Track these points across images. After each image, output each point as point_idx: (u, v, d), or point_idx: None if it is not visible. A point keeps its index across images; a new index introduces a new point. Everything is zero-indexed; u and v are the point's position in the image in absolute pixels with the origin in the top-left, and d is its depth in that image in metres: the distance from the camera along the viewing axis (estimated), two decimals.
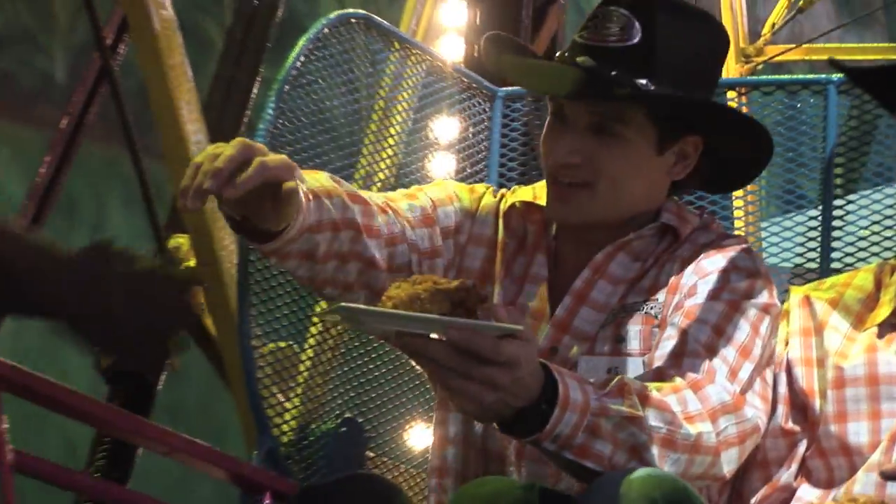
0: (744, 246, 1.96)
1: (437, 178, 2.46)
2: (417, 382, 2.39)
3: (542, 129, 1.98)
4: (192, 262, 3.74)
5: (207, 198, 1.61)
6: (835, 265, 2.33)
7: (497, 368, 1.56)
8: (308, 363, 2.32)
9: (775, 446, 1.96)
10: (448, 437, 1.99)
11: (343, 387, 2.34)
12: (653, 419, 1.68)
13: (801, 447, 1.96)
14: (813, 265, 2.35)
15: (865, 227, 2.34)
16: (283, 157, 1.68)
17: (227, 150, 1.62)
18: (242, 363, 2.16)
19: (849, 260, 2.33)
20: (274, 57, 4.01)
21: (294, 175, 1.67)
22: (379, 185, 2.40)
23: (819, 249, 2.35)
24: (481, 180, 2.50)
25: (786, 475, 1.95)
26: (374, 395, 2.36)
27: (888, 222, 2.33)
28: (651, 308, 1.91)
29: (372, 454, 2.35)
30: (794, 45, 4.62)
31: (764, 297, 1.91)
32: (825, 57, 4.28)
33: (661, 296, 1.92)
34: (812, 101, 2.40)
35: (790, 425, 1.96)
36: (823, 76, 2.42)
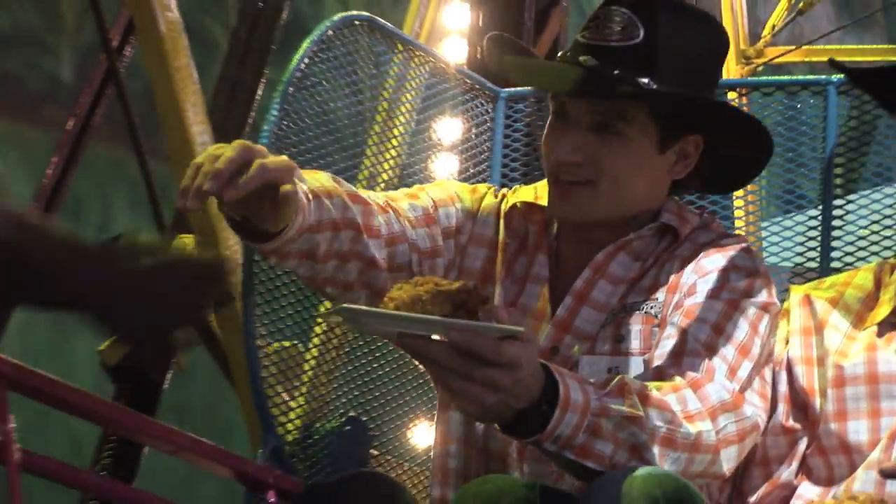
0: (743, 245, 1.97)
1: (440, 178, 2.47)
2: (421, 381, 2.39)
3: (544, 130, 1.99)
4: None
5: (207, 199, 1.62)
6: (835, 264, 2.33)
7: (498, 370, 1.56)
8: (312, 362, 2.32)
9: (776, 444, 1.97)
10: (449, 436, 2.00)
11: (347, 386, 2.34)
12: (653, 418, 1.68)
13: (802, 445, 1.96)
14: (813, 264, 2.35)
15: (865, 227, 2.34)
16: (283, 158, 1.69)
17: (228, 151, 1.63)
18: (247, 362, 2.16)
19: (849, 259, 2.34)
20: (278, 59, 4.02)
21: (293, 177, 1.68)
22: (382, 185, 2.41)
23: (819, 249, 2.35)
24: (484, 180, 2.51)
25: (786, 473, 1.95)
26: (377, 394, 2.36)
27: (888, 222, 2.34)
28: (651, 307, 1.92)
29: (376, 452, 2.35)
30: (794, 47, 4.62)
31: (763, 296, 1.91)
32: (825, 58, 4.27)
33: (660, 295, 1.92)
34: (812, 101, 2.40)
35: (791, 423, 1.97)
36: (823, 77, 2.42)
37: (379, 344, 2.36)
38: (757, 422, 1.83)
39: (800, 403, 1.98)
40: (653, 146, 1.94)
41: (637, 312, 1.92)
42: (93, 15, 4.02)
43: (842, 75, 2.30)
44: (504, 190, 2.10)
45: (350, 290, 1.90)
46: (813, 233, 2.37)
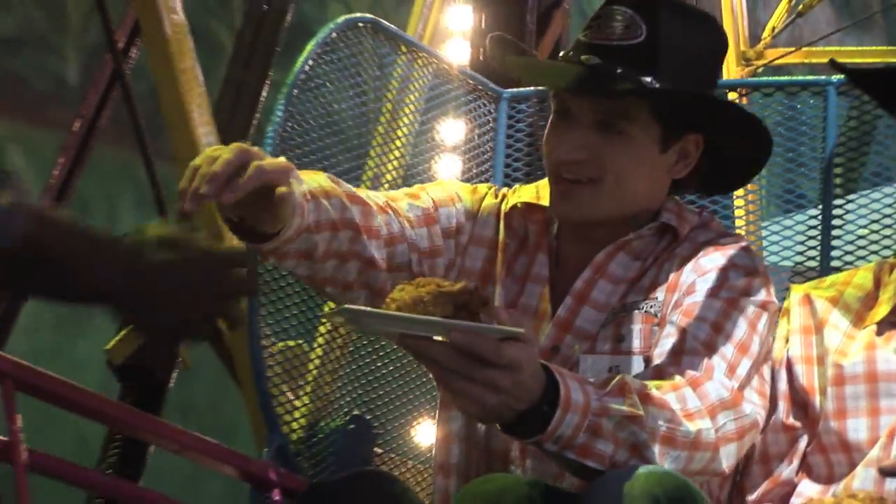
0: (742, 244, 1.97)
1: (443, 178, 2.48)
2: (424, 380, 2.40)
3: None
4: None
5: (205, 201, 1.63)
6: (834, 263, 2.34)
7: (499, 371, 1.57)
8: (317, 362, 2.32)
9: (776, 441, 1.98)
10: (451, 434, 2.00)
11: (351, 385, 2.35)
12: (653, 418, 1.69)
13: (802, 443, 1.97)
14: (813, 263, 2.36)
15: (865, 227, 2.34)
16: (280, 160, 1.70)
17: (225, 154, 1.64)
18: (252, 362, 2.17)
19: (848, 258, 2.34)
20: (283, 61, 4.03)
21: (289, 178, 1.68)
22: (387, 186, 2.41)
23: (819, 248, 2.36)
24: (487, 180, 2.51)
25: (787, 471, 1.96)
26: (381, 393, 2.37)
27: (887, 221, 2.34)
28: (651, 307, 1.92)
29: (380, 451, 2.35)
30: (793, 49, 4.63)
31: (762, 295, 1.91)
32: (825, 60, 4.28)
33: (660, 294, 1.93)
34: (812, 101, 2.41)
35: (791, 421, 1.98)
36: (823, 78, 2.43)
37: (383, 343, 2.36)
38: (756, 419, 1.84)
39: (800, 402, 1.99)
40: (655, 145, 1.94)
41: (637, 312, 1.92)
42: (98, 16, 4.03)
43: (842, 76, 2.30)
44: (504, 190, 2.10)
45: (349, 290, 1.91)
46: (813, 232, 2.38)
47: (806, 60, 4.48)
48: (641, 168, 1.94)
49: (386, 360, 2.39)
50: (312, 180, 1.83)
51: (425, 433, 2.40)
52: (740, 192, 2.47)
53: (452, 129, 2.56)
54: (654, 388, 1.73)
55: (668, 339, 1.85)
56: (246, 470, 1.96)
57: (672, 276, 1.94)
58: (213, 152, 1.66)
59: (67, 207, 4.06)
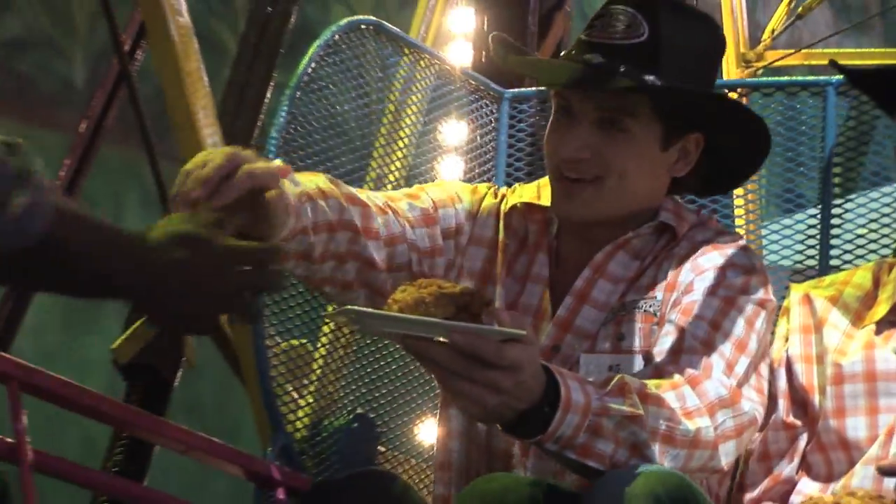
0: (740, 242, 1.98)
1: (446, 178, 2.49)
2: (427, 378, 2.40)
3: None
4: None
5: (196, 205, 1.62)
6: (833, 263, 2.35)
7: (500, 372, 1.58)
8: (321, 361, 2.32)
9: (776, 439, 1.99)
10: (452, 433, 2.02)
11: (355, 383, 2.35)
12: (653, 417, 1.69)
13: (802, 441, 1.99)
14: (812, 262, 2.36)
15: (863, 227, 2.35)
16: (272, 164, 1.71)
17: (216, 158, 1.64)
18: (257, 361, 2.17)
19: (847, 258, 2.35)
20: (287, 63, 4.03)
21: (279, 182, 1.68)
22: (390, 186, 2.41)
23: (818, 248, 2.36)
24: (489, 180, 2.52)
25: (787, 468, 1.98)
26: (385, 392, 2.38)
27: (886, 220, 2.35)
28: (650, 306, 1.93)
29: (383, 449, 2.35)
30: (793, 51, 4.63)
31: (759, 293, 1.92)
32: (824, 62, 4.28)
33: (659, 293, 1.93)
34: (811, 102, 2.41)
35: (791, 419, 1.99)
36: (822, 78, 2.44)
37: (386, 342, 2.36)
38: (754, 416, 1.84)
39: (799, 400, 2.00)
40: (656, 143, 1.95)
41: (637, 311, 1.93)
42: (105, 19, 4.04)
43: (841, 76, 2.31)
44: (504, 189, 2.11)
45: (349, 290, 1.92)
46: (812, 231, 2.39)
47: (805, 62, 4.47)
48: (643, 166, 1.95)
49: (389, 359, 2.39)
50: (310, 182, 1.84)
51: (428, 431, 2.40)
52: (740, 191, 2.47)
53: (455, 130, 2.56)
54: (654, 387, 1.74)
55: (666, 338, 1.86)
56: (250, 469, 1.96)
57: (670, 275, 1.94)
58: (204, 157, 1.66)
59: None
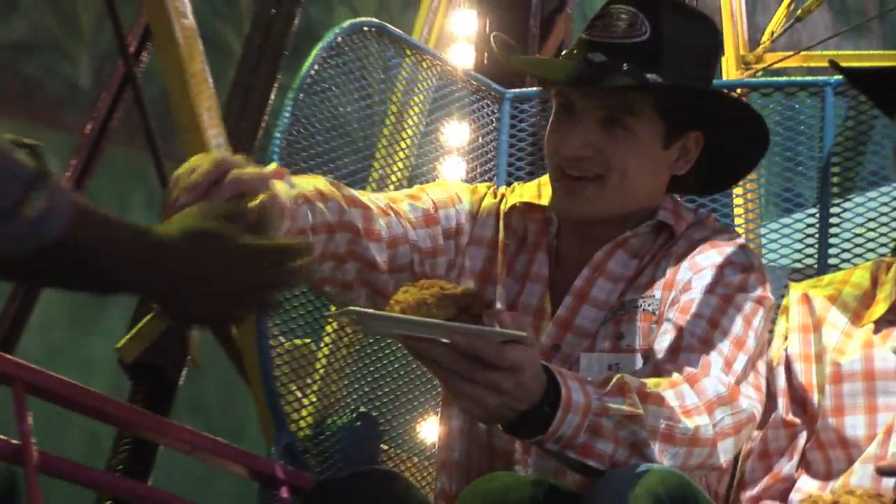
0: (738, 241, 1.99)
1: (448, 179, 2.50)
2: (429, 377, 2.41)
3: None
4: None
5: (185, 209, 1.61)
6: (832, 262, 2.36)
7: (501, 373, 1.58)
8: (324, 360, 2.33)
9: (776, 437, 2.00)
10: (453, 432, 2.03)
11: (358, 382, 2.36)
12: (652, 416, 1.70)
13: (801, 439, 1.99)
14: (811, 262, 2.37)
15: (861, 226, 2.35)
16: (261, 169, 1.70)
17: (204, 164, 1.65)
18: (260, 361, 2.18)
19: (846, 257, 2.36)
20: (291, 64, 4.03)
21: (268, 186, 1.68)
22: (392, 187, 2.42)
23: (817, 247, 2.37)
24: (490, 180, 2.53)
25: (787, 466, 1.98)
26: (387, 390, 2.38)
27: (884, 220, 2.35)
28: (649, 305, 1.94)
29: (386, 447, 2.36)
30: (792, 53, 4.63)
31: (757, 291, 1.93)
32: (823, 63, 4.29)
33: (657, 292, 1.94)
34: (809, 102, 2.42)
35: (791, 417, 2.00)
36: (821, 78, 2.44)
37: (388, 341, 2.37)
38: (752, 413, 1.85)
39: (799, 399, 2.01)
40: (658, 141, 1.96)
41: (636, 310, 1.94)
42: (110, 21, 4.05)
43: (839, 77, 2.31)
44: (503, 189, 2.12)
45: (349, 290, 1.93)
46: (811, 231, 2.39)
47: (804, 64, 4.47)
48: (644, 164, 1.96)
49: (392, 358, 2.40)
50: (308, 184, 1.85)
51: (431, 430, 2.41)
52: (739, 191, 2.48)
53: (457, 131, 2.57)
54: (653, 385, 1.74)
55: (665, 337, 1.87)
56: (254, 468, 1.96)
57: (669, 274, 1.95)
58: (193, 163, 1.67)
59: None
